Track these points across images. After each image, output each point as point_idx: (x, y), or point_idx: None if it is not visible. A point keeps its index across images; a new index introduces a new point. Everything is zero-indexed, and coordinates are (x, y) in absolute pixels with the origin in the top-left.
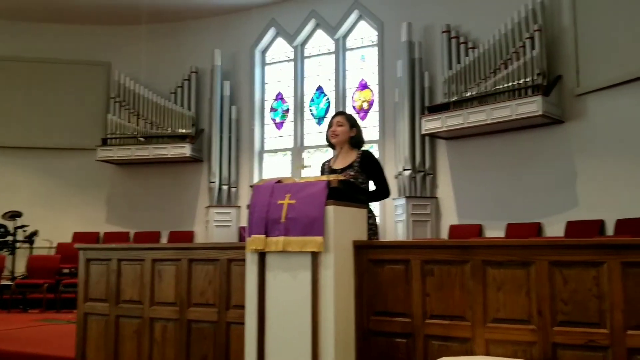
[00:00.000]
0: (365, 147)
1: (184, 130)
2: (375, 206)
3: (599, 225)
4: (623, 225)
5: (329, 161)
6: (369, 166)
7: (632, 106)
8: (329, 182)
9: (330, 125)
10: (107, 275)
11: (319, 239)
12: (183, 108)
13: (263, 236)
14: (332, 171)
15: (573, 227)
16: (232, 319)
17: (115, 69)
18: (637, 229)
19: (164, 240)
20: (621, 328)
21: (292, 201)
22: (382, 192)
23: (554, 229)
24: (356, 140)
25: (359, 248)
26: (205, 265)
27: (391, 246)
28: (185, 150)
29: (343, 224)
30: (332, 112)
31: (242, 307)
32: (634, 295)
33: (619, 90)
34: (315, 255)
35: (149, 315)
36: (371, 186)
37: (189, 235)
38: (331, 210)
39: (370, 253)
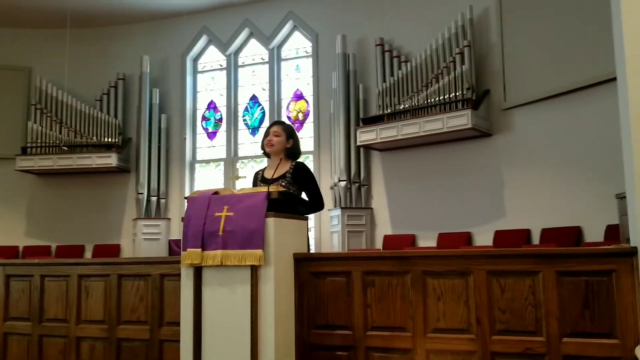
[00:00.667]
0: (301, 158)
1: (110, 139)
2: (310, 217)
3: (526, 234)
4: (548, 234)
5: (262, 171)
6: (302, 178)
7: (554, 120)
8: (268, 193)
9: (266, 134)
10: (29, 292)
11: (258, 252)
12: (109, 116)
13: (199, 250)
14: (265, 181)
15: (501, 236)
16: (166, 336)
17: (36, 74)
18: (561, 238)
19: (88, 254)
20: (556, 336)
21: (230, 213)
22: (316, 205)
23: (483, 238)
24: (292, 151)
25: (299, 260)
26: (136, 281)
27: (332, 258)
28: (111, 160)
29: (283, 236)
30: (267, 122)
31: (177, 323)
32: (567, 303)
33: (543, 105)
34: (254, 269)
35: (75, 334)
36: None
37: (115, 249)
38: (271, 222)
39: (311, 265)
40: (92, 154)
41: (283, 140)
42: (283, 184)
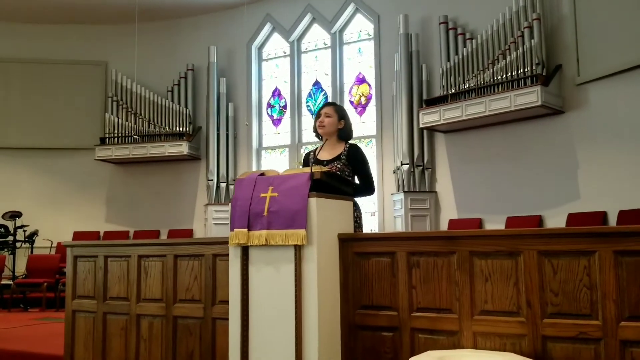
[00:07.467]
0: (365, 142)
1: (181, 129)
2: (374, 200)
3: (602, 217)
4: (626, 216)
5: (314, 152)
6: (355, 160)
7: (632, 95)
8: (312, 173)
9: (318, 116)
10: (94, 272)
11: (301, 231)
12: (180, 106)
13: (245, 230)
14: (318, 162)
15: (575, 220)
16: (218, 314)
17: (111, 68)
18: None
19: (163, 238)
20: (613, 319)
21: (275, 194)
22: (366, 188)
23: (555, 221)
24: (344, 132)
25: (344, 241)
26: (191, 261)
27: (376, 238)
28: (182, 148)
29: (327, 217)
30: None
31: (228, 302)
32: (626, 285)
33: (620, 78)
34: (298, 248)
35: (135, 312)
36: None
37: (188, 233)
38: (314, 202)
39: (355, 246)
40: (165, 142)
41: (335, 121)
42: (338, 165)
